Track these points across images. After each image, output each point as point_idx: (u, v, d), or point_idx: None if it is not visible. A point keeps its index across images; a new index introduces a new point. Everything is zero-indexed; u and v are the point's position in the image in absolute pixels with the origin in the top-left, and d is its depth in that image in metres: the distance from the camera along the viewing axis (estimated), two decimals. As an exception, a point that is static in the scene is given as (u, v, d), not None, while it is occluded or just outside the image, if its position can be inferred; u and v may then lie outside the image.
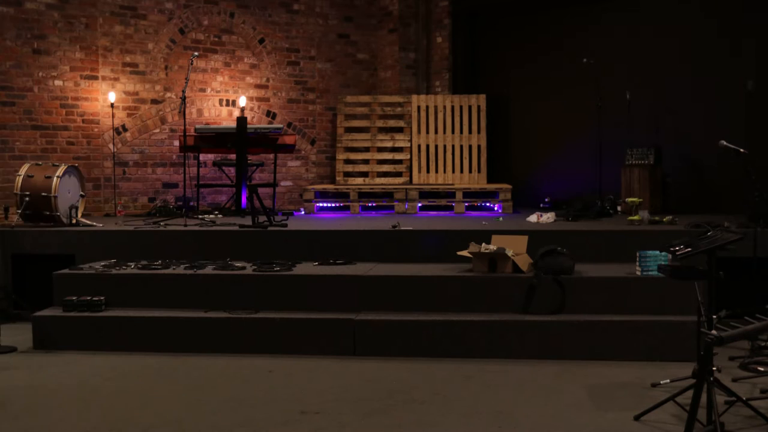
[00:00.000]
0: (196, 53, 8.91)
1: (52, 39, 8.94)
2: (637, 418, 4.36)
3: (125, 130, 9.40)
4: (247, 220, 7.70)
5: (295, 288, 6.25)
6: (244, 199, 8.79)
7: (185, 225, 7.68)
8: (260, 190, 8.57)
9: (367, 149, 10.28)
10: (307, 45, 10.43)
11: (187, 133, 8.84)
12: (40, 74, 8.89)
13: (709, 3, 8.90)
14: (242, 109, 9.89)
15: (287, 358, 5.79)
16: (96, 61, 9.21)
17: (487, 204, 9.32)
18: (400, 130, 10.29)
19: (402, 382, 5.17)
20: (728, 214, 7.59)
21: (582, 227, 7.37)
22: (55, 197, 7.44)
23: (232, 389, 5.09)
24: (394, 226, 7.27)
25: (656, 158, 8.65)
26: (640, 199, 8.01)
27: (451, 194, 9.33)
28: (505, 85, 10.54)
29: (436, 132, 10.18)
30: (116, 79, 9.33)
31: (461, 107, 10.17)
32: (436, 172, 10.12)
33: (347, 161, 10.27)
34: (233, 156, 9.07)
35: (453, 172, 10.08)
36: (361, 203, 9.42)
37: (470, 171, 10.04)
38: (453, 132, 10.15)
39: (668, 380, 4.92)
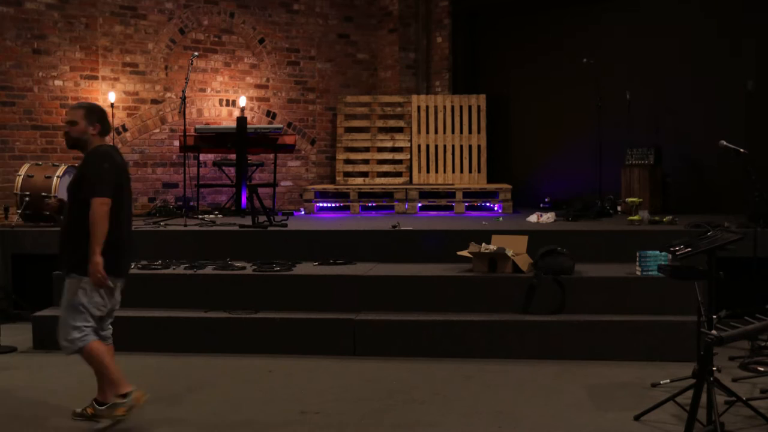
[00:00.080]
0: (196, 53, 8.92)
1: (52, 39, 8.93)
2: (637, 418, 4.36)
3: (125, 130, 9.40)
4: (247, 220, 7.70)
5: (295, 288, 6.25)
6: (244, 199, 8.78)
7: (185, 225, 7.68)
8: (260, 190, 8.57)
9: (367, 149, 10.28)
10: (307, 45, 10.42)
11: (187, 133, 8.84)
12: (40, 74, 8.89)
13: (709, 3, 8.90)
14: (242, 109, 9.88)
15: (287, 358, 5.78)
16: (96, 61, 9.21)
17: (487, 204, 9.32)
18: (400, 130, 10.29)
19: (402, 382, 5.17)
20: (728, 214, 7.58)
21: (582, 227, 7.38)
22: (56, 197, 7.43)
23: (232, 389, 5.10)
24: (394, 226, 7.27)
25: (656, 158, 8.65)
26: (640, 199, 8.01)
27: (451, 194, 9.32)
28: (505, 85, 10.53)
29: (436, 132, 10.18)
30: (116, 79, 9.32)
31: (461, 107, 10.16)
32: (436, 172, 10.12)
33: (347, 161, 10.26)
34: (233, 156, 9.06)
35: (453, 172, 10.07)
36: (361, 203, 9.42)
37: (470, 171, 10.03)
38: (453, 132, 10.14)
39: (668, 380, 4.92)
